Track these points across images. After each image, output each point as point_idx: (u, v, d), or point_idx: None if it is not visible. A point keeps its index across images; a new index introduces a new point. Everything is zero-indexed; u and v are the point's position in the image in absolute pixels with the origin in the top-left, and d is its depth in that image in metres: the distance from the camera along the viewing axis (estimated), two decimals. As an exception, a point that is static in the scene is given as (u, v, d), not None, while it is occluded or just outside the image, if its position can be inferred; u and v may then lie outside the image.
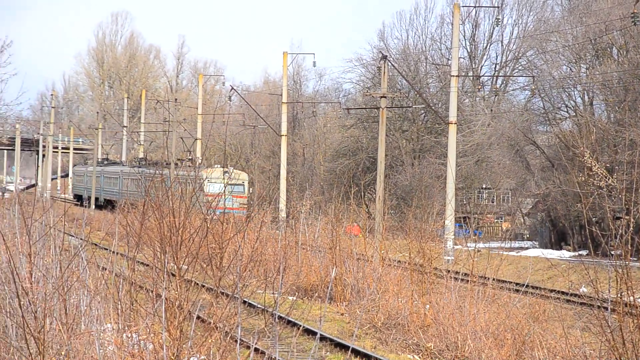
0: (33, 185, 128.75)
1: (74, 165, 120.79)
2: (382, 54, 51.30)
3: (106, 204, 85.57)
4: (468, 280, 25.77)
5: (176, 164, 70.85)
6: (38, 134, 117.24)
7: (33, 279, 14.06)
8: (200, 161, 70.89)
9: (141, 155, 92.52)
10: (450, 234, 44.55)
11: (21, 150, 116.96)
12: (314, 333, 24.17)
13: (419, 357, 23.19)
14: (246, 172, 74.36)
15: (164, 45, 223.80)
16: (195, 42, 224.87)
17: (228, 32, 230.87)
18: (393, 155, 77.05)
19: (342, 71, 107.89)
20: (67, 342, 12.95)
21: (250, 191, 69.82)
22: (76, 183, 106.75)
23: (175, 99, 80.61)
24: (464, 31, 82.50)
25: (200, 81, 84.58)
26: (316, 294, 31.79)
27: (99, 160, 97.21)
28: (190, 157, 74.16)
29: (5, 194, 54.69)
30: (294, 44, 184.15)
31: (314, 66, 68.25)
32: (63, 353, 12.94)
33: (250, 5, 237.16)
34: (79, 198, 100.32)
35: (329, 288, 30.59)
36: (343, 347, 23.02)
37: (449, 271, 26.99)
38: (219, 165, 70.70)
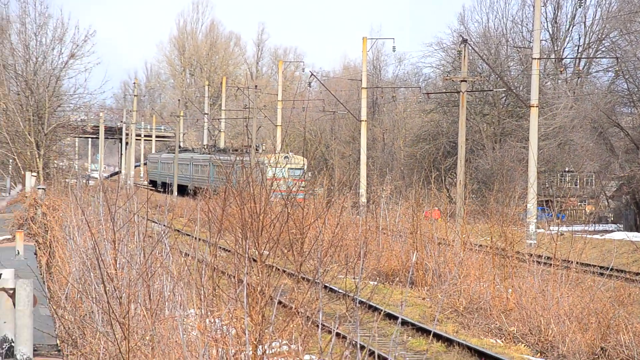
0: (117, 173, 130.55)
1: (151, 153, 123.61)
2: (463, 37, 50.97)
3: (178, 189, 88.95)
4: (551, 264, 25.55)
5: (241, 151, 74.93)
6: (121, 122, 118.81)
7: (117, 265, 14.27)
8: (262, 147, 75.36)
9: (222, 143, 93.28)
10: (532, 218, 44.14)
11: (105, 138, 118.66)
12: (395, 317, 24.18)
13: (502, 342, 23.07)
14: (305, 157, 76.92)
15: (244, 32, 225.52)
16: (275, 29, 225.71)
17: (307, 19, 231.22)
18: (474, 139, 76.51)
19: (422, 56, 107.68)
20: (151, 327, 13.13)
21: (309, 175, 72.26)
22: (150, 170, 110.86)
23: (256, 86, 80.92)
24: (546, 13, 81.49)
25: (280, 68, 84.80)
26: (397, 279, 31.77)
27: (171, 148, 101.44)
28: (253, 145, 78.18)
29: (89, 182, 55.43)
30: (374, 29, 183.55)
31: (394, 51, 67.77)
32: (147, 338, 13.12)
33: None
34: (153, 184, 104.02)
35: (410, 273, 30.55)
36: (425, 332, 22.99)
37: (531, 255, 26.78)
38: (280, 151, 72.67)
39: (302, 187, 62.59)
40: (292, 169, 65.23)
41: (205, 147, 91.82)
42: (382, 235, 35.63)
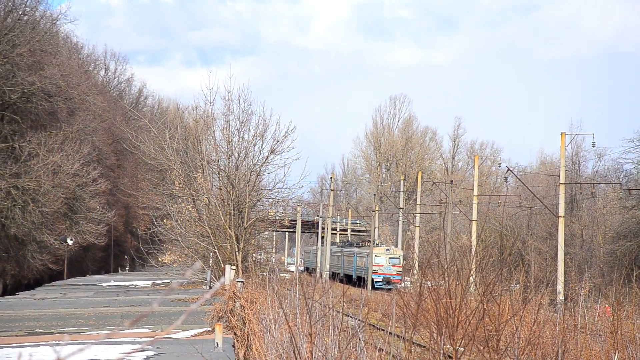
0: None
1: (307, 247, 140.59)
2: (664, 131, 49.75)
3: (333, 276, 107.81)
4: None
5: (358, 244, 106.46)
6: (317, 216, 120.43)
7: (313, 358, 14.40)
8: (376, 242, 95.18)
9: (416, 237, 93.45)
10: None
11: (301, 232, 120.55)
12: (595, 420, 23.41)
13: None
14: (403, 253, 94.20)
15: (440, 127, 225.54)
16: (472, 123, 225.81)
17: (505, 114, 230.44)
18: (677, 236, 73.98)
19: (623, 151, 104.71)
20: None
21: (404, 263, 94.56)
22: (305, 258, 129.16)
23: (451, 181, 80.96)
24: None
25: (476, 163, 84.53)
26: (597, 380, 30.78)
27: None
28: (368, 240, 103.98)
29: (280, 274, 55.94)
30: (573, 124, 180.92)
31: (593, 146, 66.79)
32: None
33: (528, 87, 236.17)
34: (307, 269, 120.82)
35: (611, 374, 29.56)
36: None
37: None
38: (383, 245, 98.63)
39: (400, 271, 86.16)
40: (391, 257, 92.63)
41: (340, 241, 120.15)
42: (580, 334, 34.68)
